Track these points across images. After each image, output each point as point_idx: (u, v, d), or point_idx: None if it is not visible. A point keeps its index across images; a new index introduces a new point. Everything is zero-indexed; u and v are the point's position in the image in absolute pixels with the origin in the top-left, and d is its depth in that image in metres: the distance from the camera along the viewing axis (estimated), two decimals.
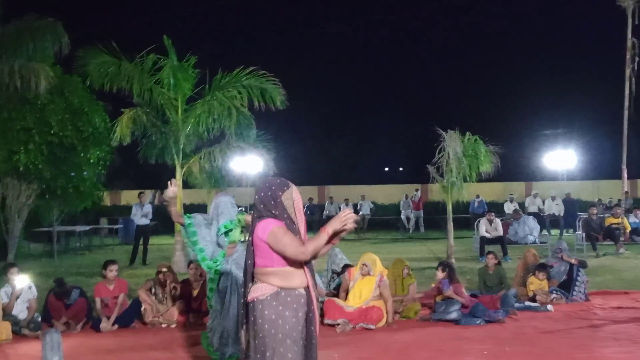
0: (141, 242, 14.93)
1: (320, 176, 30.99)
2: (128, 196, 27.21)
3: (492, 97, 37.86)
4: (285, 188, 3.92)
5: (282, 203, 3.87)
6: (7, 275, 8.17)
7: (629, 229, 15.60)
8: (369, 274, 8.03)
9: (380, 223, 25.14)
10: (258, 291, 3.79)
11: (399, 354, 6.58)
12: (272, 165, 15.67)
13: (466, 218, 21.70)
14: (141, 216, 15.21)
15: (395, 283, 8.74)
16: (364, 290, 7.96)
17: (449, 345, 6.87)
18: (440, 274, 8.47)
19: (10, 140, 13.00)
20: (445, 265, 8.73)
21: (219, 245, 6.08)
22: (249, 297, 3.82)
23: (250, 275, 3.87)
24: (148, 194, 21.00)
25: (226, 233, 6.06)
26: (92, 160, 14.56)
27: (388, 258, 9.13)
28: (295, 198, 3.93)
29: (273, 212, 3.84)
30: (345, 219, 3.78)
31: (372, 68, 44.29)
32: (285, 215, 3.86)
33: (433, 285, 8.77)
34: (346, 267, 8.77)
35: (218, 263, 6.09)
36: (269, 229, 3.77)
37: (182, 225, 6.12)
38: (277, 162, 15.99)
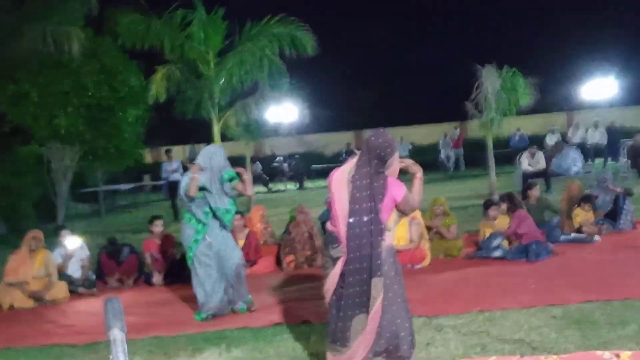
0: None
1: (356, 120, 30.72)
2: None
3: (529, 26, 36.67)
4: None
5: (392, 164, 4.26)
6: (59, 237, 8.44)
7: None
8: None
9: (420, 164, 24.84)
10: (389, 239, 4.25)
11: (444, 292, 6.60)
12: (306, 112, 15.66)
13: (507, 153, 21.41)
14: (171, 172, 15.48)
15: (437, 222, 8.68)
16: (400, 234, 7.93)
17: (495, 282, 6.87)
18: (503, 206, 8.43)
19: (49, 105, 13.21)
20: (505, 197, 8.66)
21: (225, 193, 6.21)
22: (387, 244, 4.20)
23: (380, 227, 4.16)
24: (180, 150, 21.26)
25: (230, 180, 6.19)
26: (130, 120, 14.71)
27: (429, 199, 9.08)
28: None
29: (381, 170, 4.18)
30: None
31: (404, 3, 43.26)
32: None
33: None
34: None
35: (234, 209, 6.31)
36: (402, 193, 4.24)
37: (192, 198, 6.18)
38: (311, 109, 15.97)
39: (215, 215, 6.19)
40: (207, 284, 6.16)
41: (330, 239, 4.27)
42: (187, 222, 6.31)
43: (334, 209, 4.24)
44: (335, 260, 4.21)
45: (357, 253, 4.09)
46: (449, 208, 9.14)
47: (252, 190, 6.61)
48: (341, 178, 4.23)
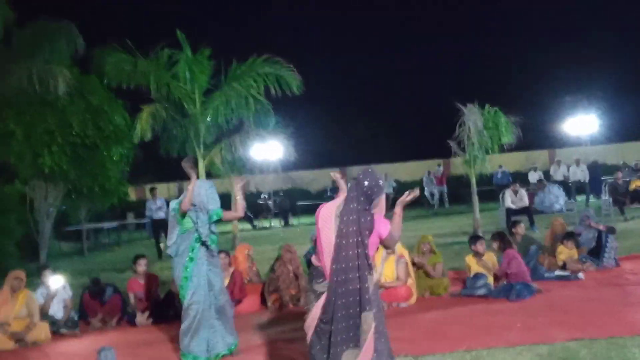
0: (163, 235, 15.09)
1: (341, 157, 30.90)
2: None
3: (511, 66, 37.27)
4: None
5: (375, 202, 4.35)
6: (42, 277, 8.35)
7: None
8: (393, 252, 8.01)
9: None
10: (375, 274, 4.39)
11: (430, 331, 6.60)
12: (292, 150, 15.76)
13: (490, 190, 21.57)
14: (155, 210, 15.48)
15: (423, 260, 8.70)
16: (387, 271, 7.95)
17: (481, 320, 6.87)
18: (495, 245, 8.50)
19: (34, 143, 13.18)
20: (496, 236, 8.71)
21: (211, 231, 6.19)
22: (374, 279, 4.32)
23: (368, 261, 4.24)
24: (164, 188, 21.17)
25: (216, 221, 6.20)
26: (115, 158, 14.68)
27: (415, 235, 9.13)
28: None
29: (368, 208, 4.27)
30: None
31: (388, 43, 43.86)
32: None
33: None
34: None
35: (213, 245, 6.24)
36: (388, 230, 4.32)
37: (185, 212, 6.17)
38: (297, 146, 16.08)
39: (202, 245, 6.16)
40: (194, 323, 6.09)
41: (316, 273, 4.29)
42: (175, 258, 6.27)
43: (320, 243, 4.28)
44: (318, 295, 4.23)
45: (344, 288, 4.11)
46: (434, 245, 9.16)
47: (243, 210, 6.57)
48: (329, 213, 4.29)
